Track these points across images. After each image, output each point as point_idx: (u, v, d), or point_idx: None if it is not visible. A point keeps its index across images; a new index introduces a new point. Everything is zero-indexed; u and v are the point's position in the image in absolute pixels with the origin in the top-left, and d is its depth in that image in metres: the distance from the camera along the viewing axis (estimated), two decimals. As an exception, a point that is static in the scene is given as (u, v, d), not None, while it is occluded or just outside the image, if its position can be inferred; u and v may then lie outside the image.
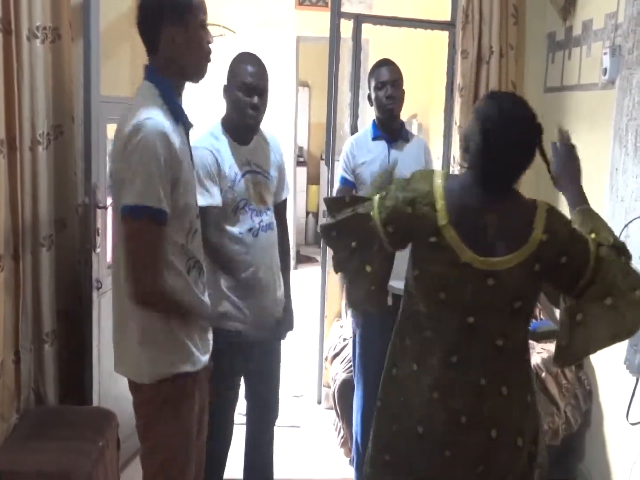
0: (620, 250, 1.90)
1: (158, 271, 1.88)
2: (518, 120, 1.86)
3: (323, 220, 2.09)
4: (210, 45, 2.04)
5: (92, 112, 3.05)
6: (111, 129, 3.29)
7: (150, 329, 1.97)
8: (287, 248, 3.01)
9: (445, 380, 1.94)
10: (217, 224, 2.63)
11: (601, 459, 3.21)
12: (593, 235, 1.90)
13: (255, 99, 2.61)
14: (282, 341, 2.98)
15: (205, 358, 2.11)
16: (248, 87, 2.60)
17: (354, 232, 2.02)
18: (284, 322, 2.92)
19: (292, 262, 7.60)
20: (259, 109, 2.64)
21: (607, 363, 3.18)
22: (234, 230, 2.66)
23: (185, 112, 2.06)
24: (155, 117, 1.89)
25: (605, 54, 3.13)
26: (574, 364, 3.10)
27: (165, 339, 1.99)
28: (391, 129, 3.29)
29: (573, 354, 1.98)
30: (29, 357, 2.83)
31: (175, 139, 1.92)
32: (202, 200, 2.40)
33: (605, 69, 3.12)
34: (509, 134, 1.84)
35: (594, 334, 1.90)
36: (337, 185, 3.41)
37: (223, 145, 2.67)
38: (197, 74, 2.06)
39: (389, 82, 3.20)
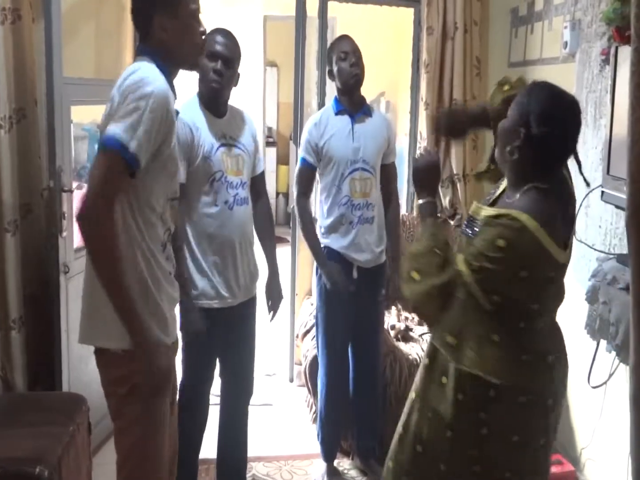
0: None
1: (111, 202, 1.79)
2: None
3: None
4: (203, 36, 2.08)
5: (54, 94, 3.01)
6: (75, 111, 3.27)
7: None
8: (270, 219, 3.05)
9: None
10: (193, 198, 2.67)
11: (565, 423, 3.25)
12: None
13: (219, 64, 2.67)
14: (256, 318, 2.99)
15: (176, 334, 2.12)
16: (213, 54, 2.67)
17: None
18: (270, 298, 2.99)
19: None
20: (222, 75, 2.68)
21: (569, 329, 3.23)
22: (209, 202, 2.70)
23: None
24: (163, 83, 1.93)
25: (565, 27, 3.16)
26: None
27: (145, 303, 1.92)
28: (354, 103, 3.25)
29: None
30: (-5, 344, 2.82)
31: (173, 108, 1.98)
32: None
33: (566, 43, 3.15)
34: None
35: None
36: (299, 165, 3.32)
37: (199, 117, 2.72)
38: (189, 63, 2.10)
39: (351, 52, 3.19)
